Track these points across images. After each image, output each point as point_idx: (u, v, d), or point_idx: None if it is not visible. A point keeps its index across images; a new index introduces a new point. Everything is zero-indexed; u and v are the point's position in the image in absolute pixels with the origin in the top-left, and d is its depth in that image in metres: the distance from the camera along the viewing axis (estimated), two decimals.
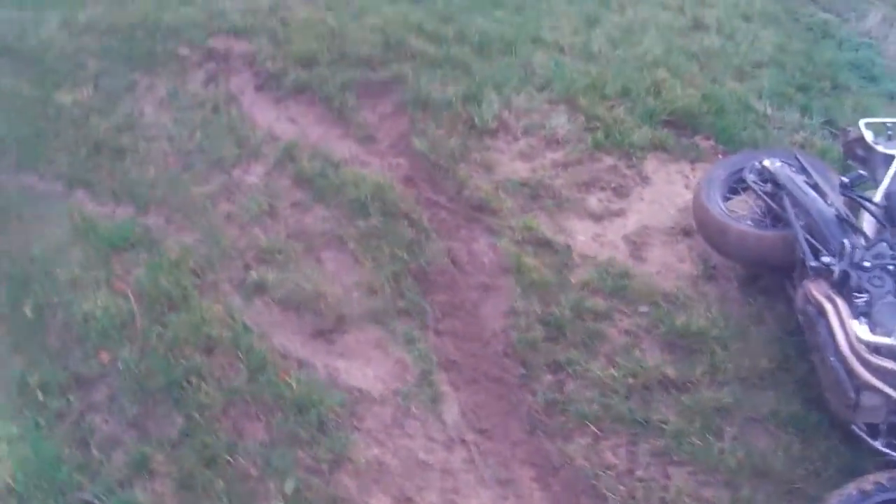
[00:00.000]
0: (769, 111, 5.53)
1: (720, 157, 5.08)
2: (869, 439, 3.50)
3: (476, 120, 5.20)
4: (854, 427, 3.53)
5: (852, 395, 3.39)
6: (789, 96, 5.73)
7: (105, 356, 4.02)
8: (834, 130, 5.38)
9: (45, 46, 6.37)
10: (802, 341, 4.02)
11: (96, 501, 3.45)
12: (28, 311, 4.32)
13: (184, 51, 6.04)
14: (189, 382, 3.78)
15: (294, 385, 3.74)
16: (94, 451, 3.65)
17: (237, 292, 4.22)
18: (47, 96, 5.84)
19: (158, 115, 5.52)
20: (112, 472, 3.57)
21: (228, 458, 3.54)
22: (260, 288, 4.22)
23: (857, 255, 3.66)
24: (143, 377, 3.86)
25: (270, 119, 5.42)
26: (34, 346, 4.16)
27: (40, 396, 3.89)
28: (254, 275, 4.26)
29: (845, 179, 4.07)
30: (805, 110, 5.59)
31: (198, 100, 5.60)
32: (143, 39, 6.15)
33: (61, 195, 5.05)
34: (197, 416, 3.67)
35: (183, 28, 6.21)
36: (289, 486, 3.46)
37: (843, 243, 3.70)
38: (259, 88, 5.68)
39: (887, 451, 3.49)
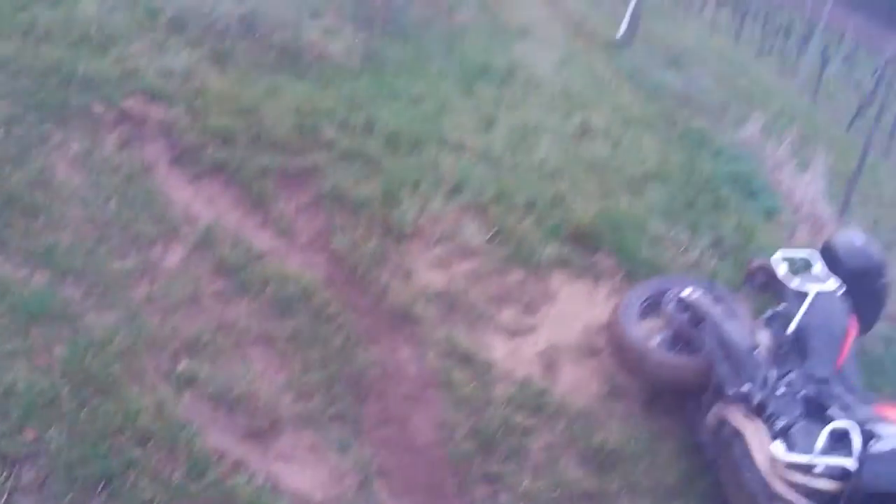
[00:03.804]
0: (661, 230, 6.04)
1: (620, 277, 5.57)
2: None
3: (395, 223, 5.48)
4: None
5: None
6: (677, 213, 6.32)
7: (30, 434, 3.88)
8: (720, 252, 6.01)
9: None
10: (702, 458, 4.56)
11: None
12: None
13: (98, 108, 5.89)
14: (125, 475, 3.69)
15: (240, 489, 3.74)
16: None
17: (167, 383, 4.19)
18: None
19: (72, 175, 5.35)
20: None
21: None
22: (190, 381, 4.20)
23: (773, 384, 4.19)
24: (76, 463, 3.73)
25: (187, 197, 5.43)
26: None
27: None
28: (184, 366, 4.26)
29: (768, 315, 4.74)
30: (693, 229, 6.17)
31: (112, 164, 5.49)
32: (56, 89, 5.90)
33: None
34: None
35: (97, 83, 6.03)
36: None
37: (766, 376, 4.23)
38: (175, 161, 5.66)
39: None
